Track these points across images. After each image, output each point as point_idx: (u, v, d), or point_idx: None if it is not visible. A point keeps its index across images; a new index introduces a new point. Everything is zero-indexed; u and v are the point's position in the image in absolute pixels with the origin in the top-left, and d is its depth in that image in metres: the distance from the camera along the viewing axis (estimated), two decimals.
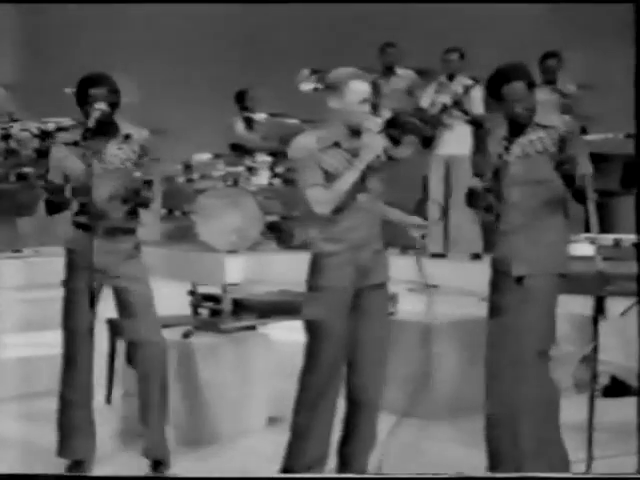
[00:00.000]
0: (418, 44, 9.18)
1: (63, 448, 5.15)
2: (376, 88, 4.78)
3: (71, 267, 5.18)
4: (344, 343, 4.75)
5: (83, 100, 5.00)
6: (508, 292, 4.75)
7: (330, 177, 4.68)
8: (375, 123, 4.75)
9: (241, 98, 10.29)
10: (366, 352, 4.77)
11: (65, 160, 5.08)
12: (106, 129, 5.05)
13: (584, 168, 4.62)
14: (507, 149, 4.74)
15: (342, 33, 10.55)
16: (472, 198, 4.85)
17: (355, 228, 4.70)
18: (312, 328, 4.74)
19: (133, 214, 5.12)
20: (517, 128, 4.75)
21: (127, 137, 5.10)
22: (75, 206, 5.07)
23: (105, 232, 5.05)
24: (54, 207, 5.08)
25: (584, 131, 4.97)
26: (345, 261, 4.71)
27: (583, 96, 8.48)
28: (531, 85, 4.70)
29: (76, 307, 5.10)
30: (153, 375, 5.09)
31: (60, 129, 8.47)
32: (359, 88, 4.68)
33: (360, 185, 4.69)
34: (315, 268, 4.77)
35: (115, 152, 5.09)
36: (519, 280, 4.71)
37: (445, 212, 9.02)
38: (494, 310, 4.83)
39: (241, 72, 10.39)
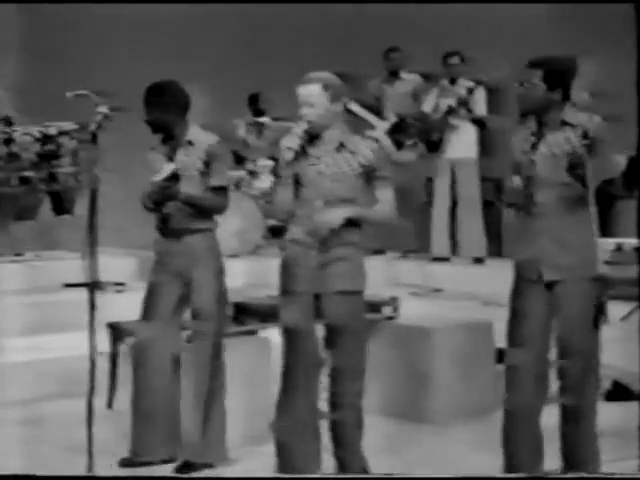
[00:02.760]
0: (424, 47, 9.18)
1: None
2: (335, 92, 4.75)
3: (154, 270, 5.35)
4: (315, 347, 4.74)
5: (147, 107, 5.21)
6: (534, 296, 4.63)
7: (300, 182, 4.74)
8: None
9: (254, 101, 10.28)
10: (337, 358, 4.72)
11: (154, 164, 5.29)
12: (174, 136, 5.26)
13: (612, 171, 4.51)
14: (534, 147, 4.64)
15: (349, 37, 10.54)
16: (509, 196, 4.77)
17: (311, 232, 4.67)
18: (283, 331, 4.77)
19: (205, 218, 5.28)
20: (544, 125, 4.63)
21: (190, 143, 5.25)
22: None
23: (176, 234, 5.25)
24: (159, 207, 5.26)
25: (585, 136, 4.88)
26: (302, 264, 4.70)
27: (594, 105, 8.45)
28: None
29: (152, 308, 5.29)
30: (205, 377, 5.23)
31: (62, 133, 8.48)
32: (299, 92, 4.69)
33: (309, 191, 4.69)
34: (280, 271, 4.80)
35: (182, 158, 5.23)
36: (549, 286, 4.62)
37: (452, 216, 9.01)
38: (517, 314, 4.69)
39: (244, 75, 10.38)
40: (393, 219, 4.79)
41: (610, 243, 7.18)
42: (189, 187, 5.20)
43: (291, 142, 4.69)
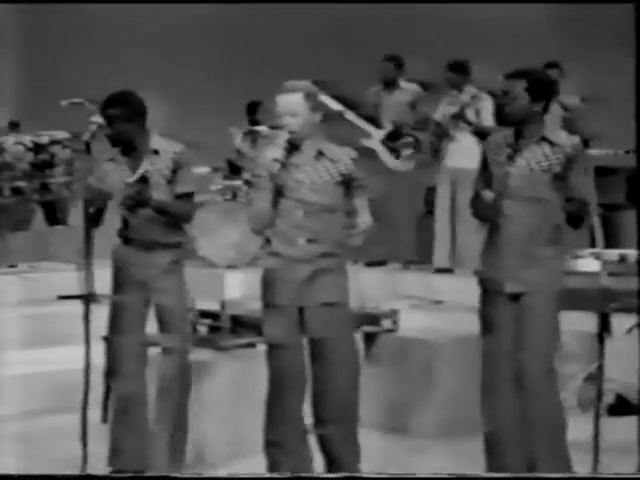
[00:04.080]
0: (426, 56, 9.16)
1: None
2: (315, 101, 4.72)
3: (116, 280, 5.25)
4: (301, 360, 4.71)
5: (106, 120, 5.07)
6: (501, 309, 4.68)
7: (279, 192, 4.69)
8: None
9: (252, 110, 10.18)
10: (323, 371, 4.70)
11: (107, 175, 5.16)
12: (137, 146, 5.15)
13: (587, 196, 4.50)
14: (511, 159, 4.62)
15: (350, 44, 10.54)
16: (478, 207, 4.73)
17: (291, 243, 4.63)
18: (268, 346, 4.74)
19: (175, 229, 5.20)
20: (523, 138, 4.62)
21: (155, 152, 5.16)
22: (121, 220, 5.21)
23: (144, 246, 5.14)
24: (95, 220, 5.12)
25: (586, 145, 4.85)
26: (284, 277, 4.65)
27: (586, 109, 8.42)
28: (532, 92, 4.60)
29: (119, 320, 5.18)
30: (172, 388, 5.15)
31: (54, 142, 8.43)
32: (280, 101, 4.68)
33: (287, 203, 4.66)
34: (262, 284, 4.76)
35: (149, 168, 5.14)
36: (514, 298, 4.63)
37: (452, 226, 8.92)
38: (488, 327, 4.79)
39: (241, 83, 10.35)
40: (372, 228, 4.78)
41: (614, 254, 7.13)
42: (157, 196, 5.10)
43: (276, 153, 4.65)
